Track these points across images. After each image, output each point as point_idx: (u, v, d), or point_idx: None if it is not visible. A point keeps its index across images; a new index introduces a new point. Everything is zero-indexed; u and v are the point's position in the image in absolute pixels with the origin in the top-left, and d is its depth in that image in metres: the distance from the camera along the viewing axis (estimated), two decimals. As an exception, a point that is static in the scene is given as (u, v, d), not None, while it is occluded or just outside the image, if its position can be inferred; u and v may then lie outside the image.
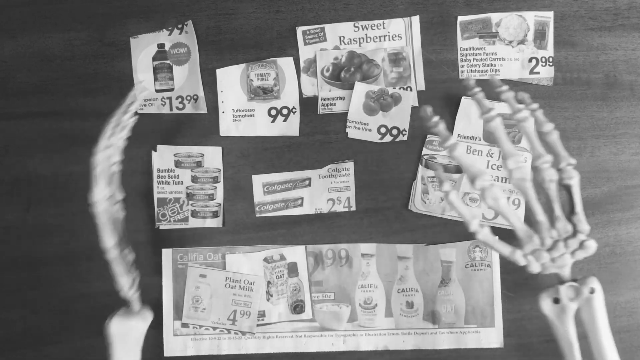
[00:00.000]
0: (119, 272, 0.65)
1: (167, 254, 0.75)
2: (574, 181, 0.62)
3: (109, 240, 0.64)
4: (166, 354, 0.75)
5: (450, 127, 0.74)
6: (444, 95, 0.75)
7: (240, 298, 0.75)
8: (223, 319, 0.74)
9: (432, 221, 0.75)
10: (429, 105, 0.65)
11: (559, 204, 0.62)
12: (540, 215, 0.62)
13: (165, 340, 0.75)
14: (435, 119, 0.63)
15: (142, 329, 0.67)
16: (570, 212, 0.63)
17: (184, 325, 0.75)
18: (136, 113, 0.69)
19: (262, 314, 0.75)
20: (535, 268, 0.62)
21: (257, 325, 0.75)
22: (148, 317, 0.68)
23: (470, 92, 0.65)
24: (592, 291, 0.62)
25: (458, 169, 0.74)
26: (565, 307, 0.63)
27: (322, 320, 0.75)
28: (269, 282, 0.75)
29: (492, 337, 0.74)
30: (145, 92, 0.71)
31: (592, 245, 0.62)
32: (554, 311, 0.64)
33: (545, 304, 0.64)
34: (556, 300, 0.64)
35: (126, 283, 0.66)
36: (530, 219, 0.63)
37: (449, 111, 0.75)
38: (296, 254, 0.75)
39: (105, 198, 0.64)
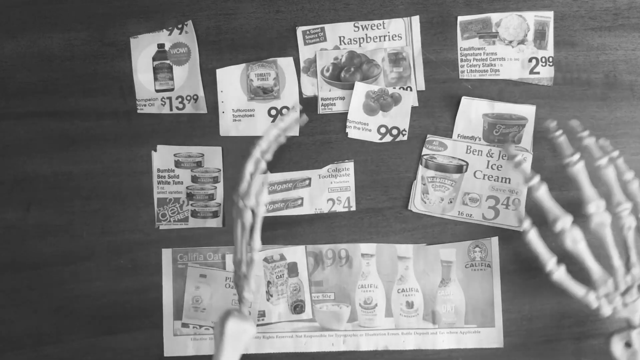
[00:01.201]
0: (247, 277, 0.65)
1: (167, 254, 0.74)
2: None
3: (257, 243, 0.65)
4: (166, 354, 0.74)
5: (450, 128, 0.74)
6: (444, 95, 0.74)
7: (241, 298, 0.74)
8: (223, 318, 0.74)
9: (432, 221, 0.74)
10: (512, 144, 0.70)
11: (635, 250, 0.64)
12: (617, 260, 0.64)
13: (165, 340, 0.74)
14: (520, 157, 0.66)
15: (251, 334, 0.64)
16: None
17: (184, 325, 0.74)
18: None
19: (262, 314, 0.74)
20: (606, 311, 0.64)
21: (257, 325, 0.74)
22: (254, 327, 0.65)
23: (552, 135, 0.67)
24: None
25: (458, 169, 0.74)
26: (636, 352, 0.64)
27: (322, 320, 0.74)
28: (269, 282, 0.74)
29: (492, 337, 0.73)
30: (303, 120, 0.73)
31: None
32: (625, 355, 0.64)
33: (617, 347, 0.64)
34: (627, 344, 0.64)
35: (250, 287, 0.65)
36: (605, 263, 0.65)
37: (449, 111, 0.74)
38: (296, 254, 0.74)
39: (259, 202, 0.65)
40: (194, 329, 0.74)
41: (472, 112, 0.74)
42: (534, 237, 0.63)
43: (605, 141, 0.67)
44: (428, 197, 0.74)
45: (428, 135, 0.74)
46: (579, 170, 0.65)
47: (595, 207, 0.63)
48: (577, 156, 0.65)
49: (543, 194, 0.64)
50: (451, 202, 0.74)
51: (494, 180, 0.73)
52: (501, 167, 0.73)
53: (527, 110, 0.73)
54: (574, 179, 0.65)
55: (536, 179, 0.63)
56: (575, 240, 0.63)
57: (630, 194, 0.65)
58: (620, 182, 0.65)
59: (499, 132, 0.73)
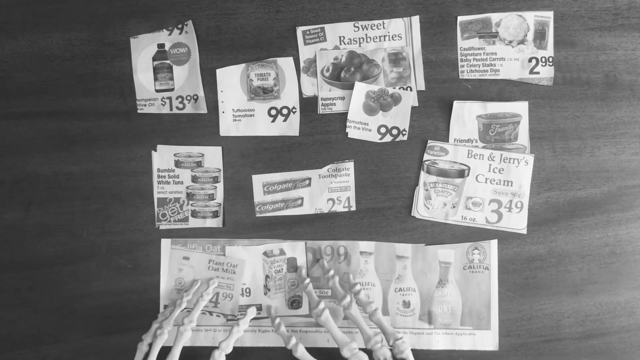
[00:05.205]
0: None
1: (166, 244, 0.72)
2: (406, 353, 0.64)
3: None
4: (165, 345, 0.73)
5: (446, 131, 0.71)
6: (444, 95, 0.71)
7: (223, 281, 0.72)
8: (205, 301, 0.73)
9: (432, 221, 0.71)
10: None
11: None
12: None
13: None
14: (307, 281, 0.68)
15: None
16: None
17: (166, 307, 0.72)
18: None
19: (258, 308, 0.72)
20: None
21: (254, 319, 0.71)
22: None
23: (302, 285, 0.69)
24: None
25: (460, 174, 0.71)
26: None
27: (320, 316, 0.71)
28: (267, 277, 0.72)
29: (487, 339, 0.71)
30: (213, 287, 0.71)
31: None
32: None
33: None
34: None
35: None
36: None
37: (449, 112, 0.70)
38: (296, 249, 0.72)
39: None
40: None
41: (466, 115, 0.71)
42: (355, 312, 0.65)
43: (349, 275, 0.69)
44: (431, 202, 0.71)
45: (429, 141, 0.71)
46: (327, 318, 0.65)
47: (349, 350, 0.64)
48: (322, 305, 0.66)
49: (351, 312, 0.65)
50: (454, 206, 0.71)
51: (496, 183, 0.71)
52: (503, 170, 0.71)
53: (520, 107, 0.71)
54: (351, 319, 0.66)
55: (347, 299, 0.65)
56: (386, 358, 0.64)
57: (376, 325, 0.66)
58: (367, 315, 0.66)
59: (495, 132, 0.71)
